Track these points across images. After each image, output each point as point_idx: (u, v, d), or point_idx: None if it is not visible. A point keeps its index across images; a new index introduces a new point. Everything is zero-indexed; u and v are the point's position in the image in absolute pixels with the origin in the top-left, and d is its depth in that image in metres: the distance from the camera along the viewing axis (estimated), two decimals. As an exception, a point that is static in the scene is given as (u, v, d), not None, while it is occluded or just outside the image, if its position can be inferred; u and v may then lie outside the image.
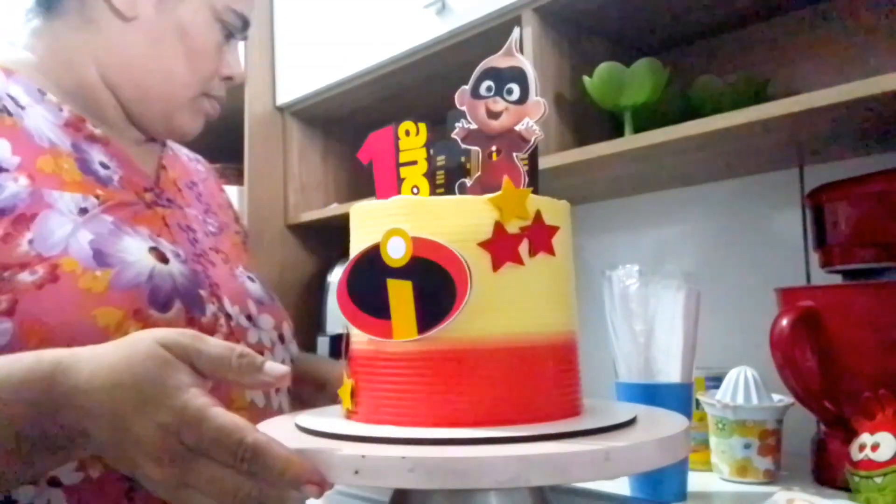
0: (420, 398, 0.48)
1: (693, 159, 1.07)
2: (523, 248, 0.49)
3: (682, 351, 0.84)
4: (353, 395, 0.52)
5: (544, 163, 1.06)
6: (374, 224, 0.50)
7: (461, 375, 0.48)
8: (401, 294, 0.48)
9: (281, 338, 0.76)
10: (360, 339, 0.52)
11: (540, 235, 0.49)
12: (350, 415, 0.52)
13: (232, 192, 1.67)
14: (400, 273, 0.48)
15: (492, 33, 1.16)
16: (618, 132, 1.07)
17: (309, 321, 1.63)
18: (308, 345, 1.60)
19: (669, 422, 0.51)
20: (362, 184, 1.71)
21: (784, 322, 0.82)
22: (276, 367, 0.48)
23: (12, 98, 0.66)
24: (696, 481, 0.88)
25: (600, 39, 1.19)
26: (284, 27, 1.60)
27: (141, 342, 0.47)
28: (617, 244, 1.33)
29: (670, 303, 0.84)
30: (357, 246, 0.51)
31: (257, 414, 0.67)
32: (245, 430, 0.43)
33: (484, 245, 0.48)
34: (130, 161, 0.72)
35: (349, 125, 1.69)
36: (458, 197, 0.52)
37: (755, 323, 0.91)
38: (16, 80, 0.68)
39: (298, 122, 1.64)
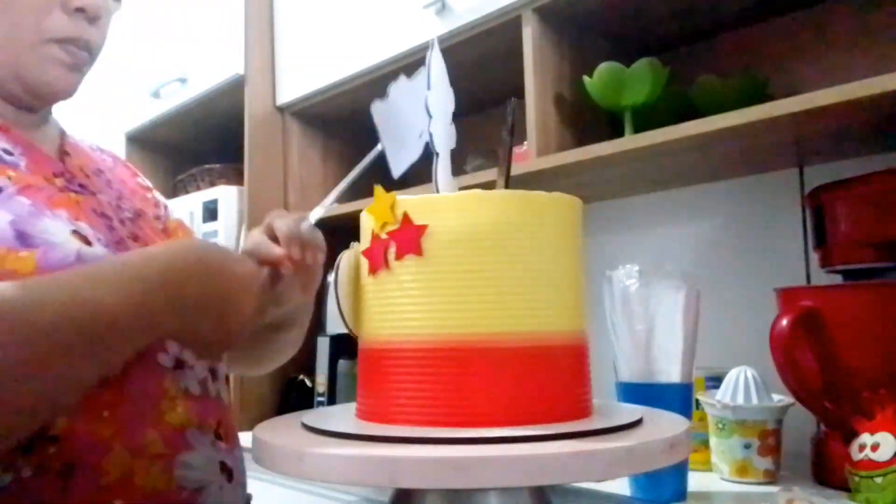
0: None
1: (693, 159, 1.07)
2: (392, 251, 0.50)
3: (682, 351, 0.84)
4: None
5: (545, 163, 1.06)
6: None
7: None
8: None
9: None
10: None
11: (405, 237, 0.49)
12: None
13: (232, 192, 1.68)
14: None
15: (492, 33, 1.16)
16: (618, 132, 1.07)
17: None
18: (308, 345, 1.60)
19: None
20: (362, 184, 1.70)
21: (784, 322, 0.82)
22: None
23: None
24: (696, 481, 0.88)
25: (600, 39, 1.19)
26: (284, 27, 1.60)
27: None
28: (617, 244, 1.33)
29: (670, 303, 0.84)
30: None
31: (193, 401, 0.65)
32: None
33: (364, 253, 0.53)
34: (34, 147, 0.69)
35: (349, 125, 1.69)
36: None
37: (755, 323, 0.91)
38: None
39: (298, 122, 1.64)
